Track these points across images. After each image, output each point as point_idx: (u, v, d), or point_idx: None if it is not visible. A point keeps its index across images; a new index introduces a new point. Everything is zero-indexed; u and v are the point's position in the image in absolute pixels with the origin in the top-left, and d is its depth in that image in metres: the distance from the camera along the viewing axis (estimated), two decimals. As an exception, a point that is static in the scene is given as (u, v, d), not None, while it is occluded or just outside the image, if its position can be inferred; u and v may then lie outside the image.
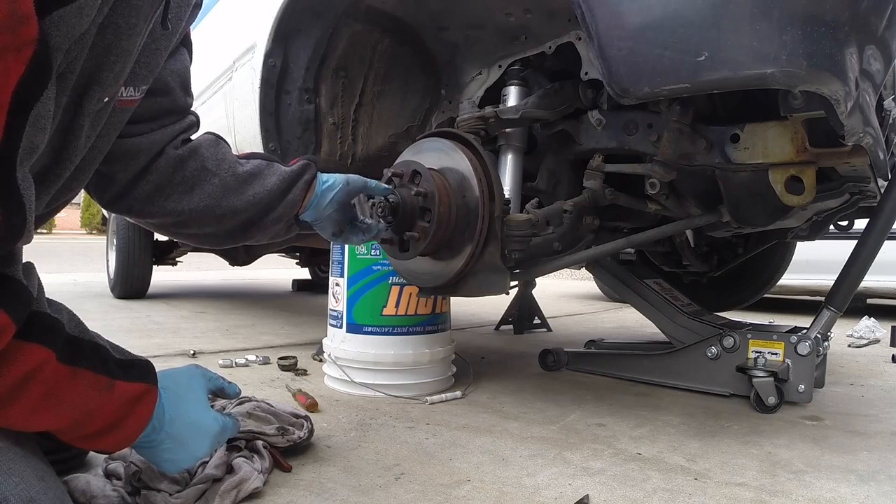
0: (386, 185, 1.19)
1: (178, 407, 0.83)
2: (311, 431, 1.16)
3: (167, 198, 1.01)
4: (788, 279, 2.96)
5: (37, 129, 0.61)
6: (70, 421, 0.71)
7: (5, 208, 0.59)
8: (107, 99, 0.76)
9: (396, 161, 1.40)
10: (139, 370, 0.79)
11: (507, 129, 1.45)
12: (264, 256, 4.37)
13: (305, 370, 1.89)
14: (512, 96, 1.46)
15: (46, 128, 0.63)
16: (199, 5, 0.98)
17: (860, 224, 1.68)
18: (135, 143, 0.95)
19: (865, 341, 2.81)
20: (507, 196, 1.37)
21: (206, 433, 0.85)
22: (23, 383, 0.65)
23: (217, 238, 1.09)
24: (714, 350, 1.67)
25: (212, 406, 1.13)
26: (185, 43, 1.01)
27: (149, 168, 0.98)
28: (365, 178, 1.14)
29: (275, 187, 1.04)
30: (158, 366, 0.84)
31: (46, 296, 0.74)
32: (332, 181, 1.09)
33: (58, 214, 0.98)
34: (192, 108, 1.06)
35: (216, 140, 1.06)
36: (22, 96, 0.57)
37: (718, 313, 2.08)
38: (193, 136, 1.06)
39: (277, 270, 7.33)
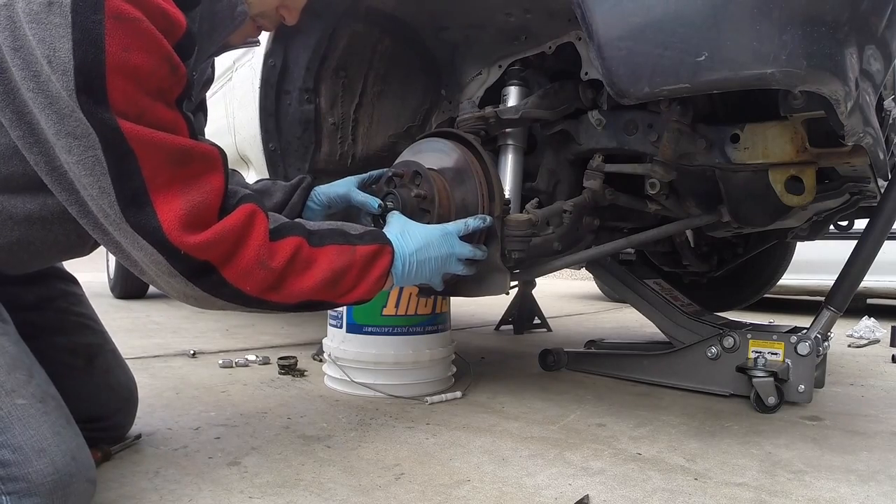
0: (368, 198, 1.31)
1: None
2: None
3: None
4: (788, 279, 2.96)
5: None
6: (327, 282, 0.95)
7: None
8: None
9: (396, 161, 1.40)
10: (372, 235, 1.02)
11: (507, 129, 1.45)
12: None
13: (305, 370, 1.89)
14: (512, 96, 1.46)
15: None
16: (210, 80, 1.23)
17: (860, 224, 1.68)
18: None
19: (865, 341, 2.82)
20: (507, 196, 1.37)
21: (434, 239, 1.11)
22: (289, 263, 0.90)
23: None
24: (714, 350, 1.67)
25: None
26: (202, 108, 1.26)
27: None
28: (352, 192, 1.30)
29: (281, 200, 1.26)
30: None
31: None
32: (325, 188, 1.31)
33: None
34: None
35: (232, 171, 1.28)
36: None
37: (718, 313, 2.08)
38: None
39: (277, 270, 7.33)
